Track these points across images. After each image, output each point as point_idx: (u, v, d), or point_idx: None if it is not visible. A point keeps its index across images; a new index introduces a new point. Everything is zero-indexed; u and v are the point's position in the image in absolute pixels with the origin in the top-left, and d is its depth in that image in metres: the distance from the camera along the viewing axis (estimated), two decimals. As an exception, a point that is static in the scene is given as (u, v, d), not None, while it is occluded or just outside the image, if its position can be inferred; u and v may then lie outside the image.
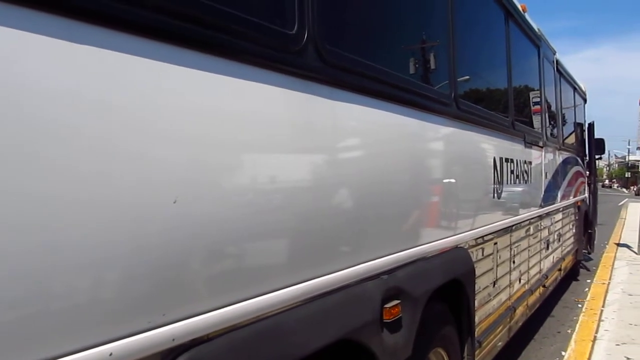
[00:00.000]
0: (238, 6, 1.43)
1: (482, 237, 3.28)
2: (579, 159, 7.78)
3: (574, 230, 7.30)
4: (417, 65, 2.62)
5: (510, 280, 3.98)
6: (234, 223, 1.38)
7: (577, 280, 7.86)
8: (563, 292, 7.07)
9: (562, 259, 6.45)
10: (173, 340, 1.18)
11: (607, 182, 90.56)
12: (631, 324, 5.17)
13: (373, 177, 2.03)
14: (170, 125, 1.22)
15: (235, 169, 1.42)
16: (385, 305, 1.99)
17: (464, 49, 3.06)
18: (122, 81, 1.12)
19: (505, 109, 4.05)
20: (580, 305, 6.32)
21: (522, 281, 4.39)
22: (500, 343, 3.70)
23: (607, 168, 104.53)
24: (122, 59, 1.12)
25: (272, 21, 1.58)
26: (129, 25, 1.13)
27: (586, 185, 8.52)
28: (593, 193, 9.03)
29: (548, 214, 5.44)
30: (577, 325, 5.40)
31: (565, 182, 6.50)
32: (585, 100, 9.00)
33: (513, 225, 4.02)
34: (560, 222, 6.22)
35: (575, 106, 7.93)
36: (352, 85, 1.90)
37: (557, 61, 6.35)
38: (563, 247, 6.50)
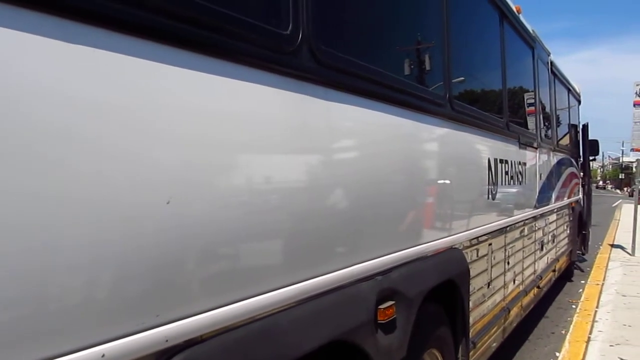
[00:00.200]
0: (232, 7, 1.43)
1: (477, 238, 3.28)
2: (573, 160, 7.82)
3: (568, 231, 7.33)
4: (411, 66, 2.62)
5: (504, 281, 3.99)
6: (227, 223, 1.38)
7: (571, 281, 7.90)
8: (557, 293, 7.10)
9: (557, 260, 6.47)
10: (166, 341, 1.18)
11: (601, 183, 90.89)
12: (625, 325, 5.19)
13: (367, 178, 2.03)
14: (164, 126, 1.22)
15: (229, 169, 1.42)
16: (380, 306, 1.99)
17: (459, 50, 3.06)
18: (116, 81, 1.12)
19: (500, 110, 4.06)
20: (574, 306, 6.35)
21: (517, 282, 4.40)
22: (494, 344, 3.71)
23: (601, 169, 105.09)
24: (115, 59, 1.11)
25: (266, 21, 1.57)
26: (123, 25, 1.13)
27: (580, 186, 8.57)
28: (587, 194, 9.08)
29: (542, 215, 5.45)
30: (571, 326, 5.41)
31: (559, 183, 6.52)
32: (579, 102, 9.03)
33: (507, 226, 4.03)
34: (554, 223, 6.24)
35: (569, 107, 7.96)
36: (346, 85, 1.90)
37: (551, 62, 6.37)
38: (557, 248, 6.52)
